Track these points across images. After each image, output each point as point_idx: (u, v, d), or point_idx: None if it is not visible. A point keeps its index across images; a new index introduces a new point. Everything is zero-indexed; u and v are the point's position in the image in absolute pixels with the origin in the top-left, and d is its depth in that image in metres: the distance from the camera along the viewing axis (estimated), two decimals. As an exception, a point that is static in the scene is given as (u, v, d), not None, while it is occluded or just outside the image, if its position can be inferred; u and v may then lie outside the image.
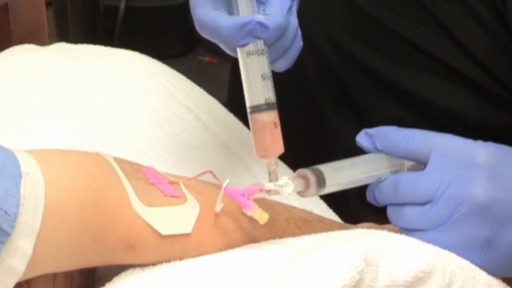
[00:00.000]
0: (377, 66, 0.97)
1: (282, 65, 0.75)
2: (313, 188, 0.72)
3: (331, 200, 0.92)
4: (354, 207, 0.92)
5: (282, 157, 0.87)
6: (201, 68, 2.16)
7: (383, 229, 0.74)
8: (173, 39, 2.16)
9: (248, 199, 0.68)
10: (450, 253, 0.70)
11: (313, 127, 1.04)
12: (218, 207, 0.68)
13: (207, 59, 2.19)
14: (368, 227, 0.78)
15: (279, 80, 0.76)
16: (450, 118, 0.94)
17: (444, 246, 0.70)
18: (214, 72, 2.04)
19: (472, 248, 0.70)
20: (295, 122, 1.04)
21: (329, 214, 0.91)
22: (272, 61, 0.73)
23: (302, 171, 0.72)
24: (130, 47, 1.01)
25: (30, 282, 0.62)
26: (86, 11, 1.71)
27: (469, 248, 0.70)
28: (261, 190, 0.69)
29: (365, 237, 0.68)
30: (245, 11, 0.71)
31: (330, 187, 0.72)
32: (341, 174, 0.73)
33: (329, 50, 1.00)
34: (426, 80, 0.95)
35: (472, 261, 0.70)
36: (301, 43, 0.75)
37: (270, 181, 0.70)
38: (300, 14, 0.78)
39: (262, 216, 0.68)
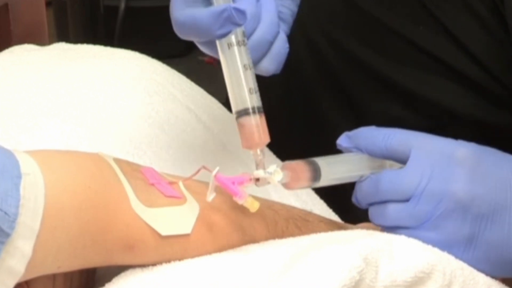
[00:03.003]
0: (377, 66, 0.97)
1: (268, 67, 0.75)
2: (305, 180, 0.72)
3: (331, 200, 0.92)
4: (354, 207, 0.92)
5: (281, 157, 0.87)
6: (201, 68, 2.16)
7: (383, 229, 0.74)
8: (173, 39, 2.14)
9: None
10: (450, 255, 0.70)
11: (313, 126, 1.04)
12: (210, 197, 0.68)
13: (207, 59, 2.18)
14: (367, 227, 0.78)
15: (279, 80, 0.76)
16: (450, 118, 0.94)
17: (428, 243, 0.70)
18: (214, 72, 2.02)
19: (456, 245, 0.70)
20: (294, 121, 1.04)
21: (329, 214, 0.91)
22: (256, 61, 0.73)
23: (290, 163, 0.72)
24: (130, 47, 1.01)
25: (29, 282, 0.62)
26: (86, 11, 1.72)
27: (453, 245, 0.70)
28: (251, 179, 0.69)
29: (365, 237, 0.68)
30: (220, 1, 0.72)
31: (325, 181, 0.72)
32: (336, 169, 0.73)
33: (329, 50, 1.00)
34: (426, 80, 0.95)
35: (457, 258, 0.70)
36: (287, 46, 0.75)
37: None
38: (300, 14, 0.78)
39: (253, 204, 0.68)
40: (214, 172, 0.68)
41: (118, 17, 2.10)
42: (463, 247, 0.70)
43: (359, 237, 0.68)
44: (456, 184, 0.70)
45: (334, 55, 0.99)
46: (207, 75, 1.95)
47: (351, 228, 0.80)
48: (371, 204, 0.74)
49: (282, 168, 0.71)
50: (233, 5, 0.70)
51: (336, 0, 0.99)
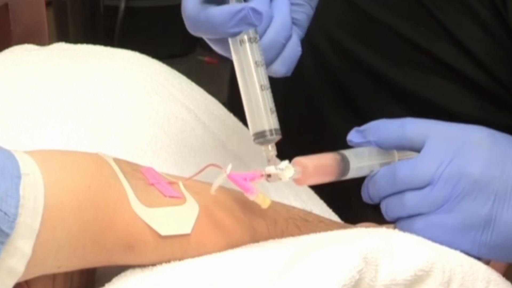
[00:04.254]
0: (377, 66, 0.97)
1: (279, 69, 0.75)
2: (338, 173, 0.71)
3: (331, 200, 0.92)
4: (354, 207, 0.92)
5: (281, 157, 0.87)
6: (201, 68, 2.16)
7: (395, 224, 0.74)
8: (173, 39, 2.16)
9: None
10: (450, 250, 0.71)
11: (313, 127, 1.04)
12: (214, 190, 0.68)
13: (207, 59, 2.19)
14: (367, 227, 0.78)
15: (279, 80, 0.76)
16: (450, 118, 0.93)
17: (446, 227, 0.71)
18: (214, 72, 2.04)
19: (474, 227, 0.70)
20: (294, 122, 1.04)
21: (329, 214, 0.91)
22: (268, 63, 0.73)
23: (300, 158, 0.72)
24: (130, 47, 1.01)
25: (29, 282, 0.62)
26: (86, 11, 1.71)
27: (471, 228, 0.70)
28: (262, 175, 0.69)
29: (365, 236, 0.68)
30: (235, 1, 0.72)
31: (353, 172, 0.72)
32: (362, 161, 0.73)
33: (329, 50, 1.00)
34: (426, 80, 0.95)
35: (475, 242, 0.70)
36: (300, 49, 0.75)
37: None
38: None
39: (264, 200, 0.68)
40: (228, 170, 0.68)
41: (118, 17, 2.10)
42: (481, 230, 0.70)
43: (358, 237, 0.68)
44: (473, 165, 0.70)
45: (335, 55, 0.99)
46: (207, 75, 1.96)
47: (351, 228, 0.80)
48: (385, 197, 0.73)
49: (293, 164, 0.71)
50: (250, 5, 0.70)
51: (338, 1, 0.99)
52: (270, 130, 0.72)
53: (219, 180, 0.68)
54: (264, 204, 0.68)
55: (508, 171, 0.70)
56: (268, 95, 0.72)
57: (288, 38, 0.74)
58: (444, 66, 0.93)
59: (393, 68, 0.96)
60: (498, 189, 0.70)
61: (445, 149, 0.71)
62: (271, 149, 0.71)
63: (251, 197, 0.68)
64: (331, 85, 1.01)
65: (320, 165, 0.72)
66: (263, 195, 0.68)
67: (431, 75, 0.94)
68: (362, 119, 0.98)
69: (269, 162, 0.71)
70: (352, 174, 0.73)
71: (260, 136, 0.72)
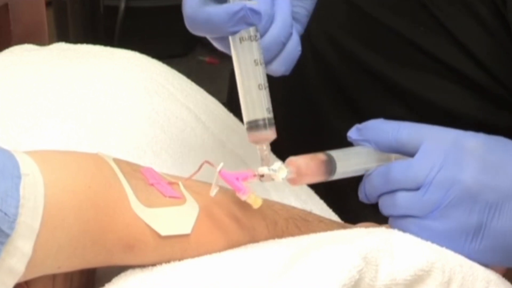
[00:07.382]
0: (377, 66, 0.97)
1: (278, 68, 0.75)
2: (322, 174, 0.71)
3: (331, 200, 0.92)
4: (354, 207, 0.92)
5: (282, 157, 0.87)
6: (201, 68, 2.16)
7: (390, 222, 0.74)
8: (173, 39, 2.16)
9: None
10: (449, 251, 0.71)
11: (313, 127, 1.04)
12: (213, 192, 0.68)
13: (207, 59, 2.19)
14: (367, 227, 0.78)
15: (279, 80, 0.76)
16: (450, 118, 0.94)
17: (436, 232, 0.71)
18: (214, 72, 2.04)
19: (463, 234, 0.70)
20: (295, 121, 1.04)
21: (329, 214, 0.91)
22: (267, 62, 0.73)
23: (294, 158, 0.72)
24: (130, 47, 1.01)
25: (29, 282, 0.62)
26: (86, 11, 1.72)
27: (460, 235, 0.70)
28: (255, 175, 0.69)
29: (365, 236, 0.68)
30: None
31: (339, 174, 0.72)
32: (346, 163, 0.73)
33: (329, 50, 1.00)
34: (426, 80, 0.95)
35: (464, 248, 0.70)
36: (300, 48, 0.75)
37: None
38: None
39: (256, 201, 0.68)
40: (219, 168, 0.68)
41: (118, 17, 2.10)
42: (470, 237, 0.70)
43: (358, 236, 0.68)
44: (466, 173, 0.70)
45: (335, 56, 0.99)
46: (207, 75, 1.96)
47: (351, 228, 0.80)
48: (381, 195, 0.74)
49: (287, 164, 0.71)
50: (249, 5, 0.70)
51: (338, 1, 0.99)
52: (264, 119, 0.71)
53: (215, 180, 0.68)
54: (255, 204, 0.68)
55: (500, 179, 0.70)
56: (265, 94, 0.72)
57: (289, 36, 0.74)
58: (444, 66, 0.93)
59: (393, 68, 0.96)
60: (490, 198, 0.70)
61: (440, 154, 0.71)
62: (265, 149, 0.71)
63: (243, 197, 0.68)
64: (331, 85, 1.01)
65: (313, 165, 0.72)
66: (255, 195, 0.68)
67: (431, 75, 0.94)
68: (362, 119, 0.98)
69: (262, 161, 0.71)
70: (339, 175, 0.73)
71: (253, 125, 0.71)
